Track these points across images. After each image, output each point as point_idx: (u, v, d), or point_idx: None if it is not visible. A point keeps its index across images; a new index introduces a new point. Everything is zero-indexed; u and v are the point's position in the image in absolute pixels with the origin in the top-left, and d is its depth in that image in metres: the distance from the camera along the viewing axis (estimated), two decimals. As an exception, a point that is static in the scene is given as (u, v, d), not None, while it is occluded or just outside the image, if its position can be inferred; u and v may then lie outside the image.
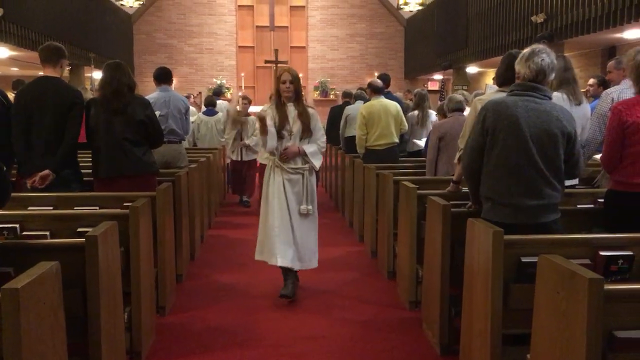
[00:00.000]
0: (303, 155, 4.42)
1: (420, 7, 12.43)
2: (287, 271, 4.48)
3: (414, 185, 4.20)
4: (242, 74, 17.58)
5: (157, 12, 17.49)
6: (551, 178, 2.96)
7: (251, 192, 8.91)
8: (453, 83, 14.44)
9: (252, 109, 10.36)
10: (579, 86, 4.10)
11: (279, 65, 15.99)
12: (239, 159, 8.63)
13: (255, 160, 8.52)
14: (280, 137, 4.35)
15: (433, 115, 7.55)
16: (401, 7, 12.15)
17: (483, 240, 2.80)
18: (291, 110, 4.40)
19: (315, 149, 4.47)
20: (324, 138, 4.61)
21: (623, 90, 4.87)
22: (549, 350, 2.20)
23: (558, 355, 2.11)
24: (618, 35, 8.59)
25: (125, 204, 3.76)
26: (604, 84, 6.14)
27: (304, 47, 17.98)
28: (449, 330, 3.52)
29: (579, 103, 3.90)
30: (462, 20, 13.01)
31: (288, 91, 4.35)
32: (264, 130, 4.24)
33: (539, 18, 9.23)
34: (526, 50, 3.04)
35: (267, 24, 17.58)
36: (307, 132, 4.41)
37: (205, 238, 6.59)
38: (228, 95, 17.37)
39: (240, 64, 17.83)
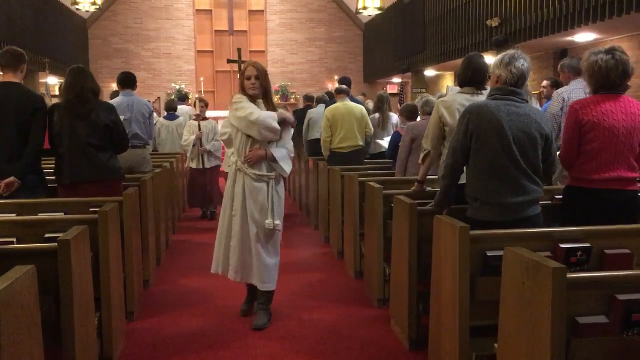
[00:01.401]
0: (271, 160, 3.93)
1: (379, 12, 12.61)
2: (251, 289, 4.21)
3: (379, 186, 4.30)
4: (202, 79, 17.40)
5: (113, 16, 17.24)
6: (533, 176, 3.10)
7: (218, 201, 7.83)
8: (412, 86, 14.71)
9: (212, 113, 10.35)
10: (528, 87, 4.28)
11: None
12: (201, 167, 7.90)
13: (218, 166, 8.14)
14: (248, 135, 3.91)
15: (394, 117, 7.71)
16: (360, 12, 12.30)
17: (450, 237, 2.90)
18: (261, 106, 3.95)
19: (284, 154, 3.98)
20: (292, 144, 4.13)
21: (573, 91, 5.11)
22: (515, 338, 2.30)
23: (524, 343, 2.22)
24: (569, 38, 8.94)
25: (91, 209, 3.75)
26: (557, 85, 6.37)
27: (263, 52, 18.01)
28: (418, 326, 3.61)
29: (525, 102, 4.06)
30: (419, 25, 13.27)
31: (254, 88, 3.87)
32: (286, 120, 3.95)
33: (494, 22, 9.51)
34: (505, 55, 3.16)
35: (226, 29, 17.58)
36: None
37: (170, 243, 6.55)
38: (189, 100, 17.25)
39: (200, 69, 17.74)
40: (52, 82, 13.98)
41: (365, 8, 12.06)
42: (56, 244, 2.50)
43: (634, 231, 2.90)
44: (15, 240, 3.15)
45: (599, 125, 3.19)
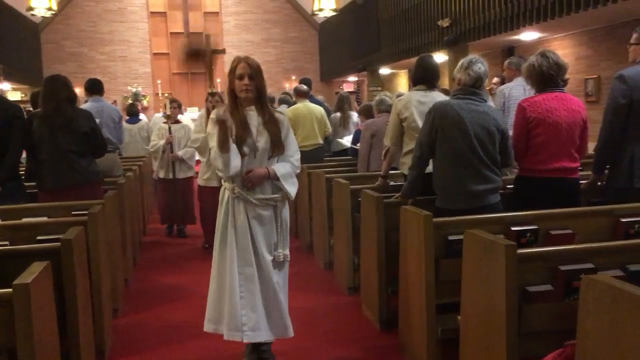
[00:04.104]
0: (274, 179, 3.22)
1: (334, 13, 12.92)
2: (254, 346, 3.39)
3: (346, 181, 4.61)
4: (159, 81, 17.46)
5: (66, 20, 17.03)
6: (493, 167, 3.46)
7: (190, 220, 7.07)
8: (368, 85, 15.10)
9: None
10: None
11: (216, 55, 15.24)
12: (170, 177, 6.85)
13: (192, 178, 7.06)
14: (240, 155, 3.13)
15: (354, 116, 8.05)
16: (316, 13, 12.59)
17: (415, 224, 3.23)
18: (253, 117, 3.22)
19: (289, 170, 3.28)
20: (299, 155, 3.40)
21: (513, 87, 5.54)
22: (476, 308, 2.64)
23: (484, 311, 2.56)
24: (516, 37, 9.46)
25: (73, 212, 3.92)
26: (504, 82, 6.81)
27: (219, 54, 18.04)
28: (387, 308, 3.94)
29: (485, 101, 4.45)
30: (373, 25, 13.65)
31: (248, 90, 3.15)
32: (224, 143, 3.04)
33: (445, 22, 9.94)
34: (464, 60, 3.54)
35: (182, 30, 17.59)
36: (277, 148, 3.23)
37: (142, 244, 6.72)
38: (144, 102, 17.24)
39: (156, 71, 17.71)
40: (6, 88, 13.81)
41: (320, 10, 12.36)
42: (59, 243, 2.71)
43: (575, 214, 3.28)
44: (8, 243, 3.32)
45: (544, 121, 3.57)
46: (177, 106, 7.10)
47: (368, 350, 3.68)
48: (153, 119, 9.26)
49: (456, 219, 3.22)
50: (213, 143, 3.13)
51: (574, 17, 7.39)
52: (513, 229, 3.12)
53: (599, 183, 3.89)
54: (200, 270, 5.38)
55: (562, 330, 2.34)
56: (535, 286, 2.45)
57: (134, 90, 17.10)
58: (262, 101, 3.24)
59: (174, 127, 6.89)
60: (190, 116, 11.45)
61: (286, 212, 3.37)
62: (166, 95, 7.53)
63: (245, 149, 3.14)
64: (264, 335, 3.23)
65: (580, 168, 3.79)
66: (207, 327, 3.33)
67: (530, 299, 2.44)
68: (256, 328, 3.19)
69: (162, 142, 6.80)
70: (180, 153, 6.80)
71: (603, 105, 8.41)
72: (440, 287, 3.17)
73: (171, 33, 17.69)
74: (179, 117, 7.34)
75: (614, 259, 2.50)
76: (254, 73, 3.16)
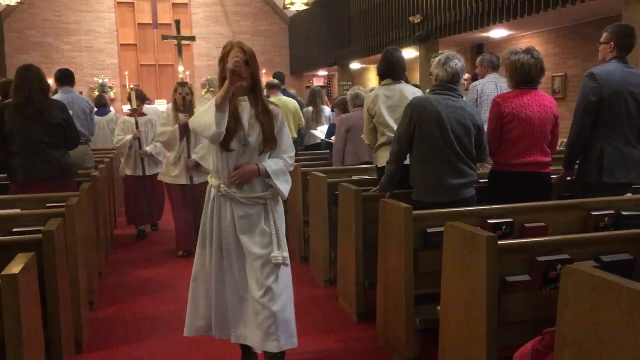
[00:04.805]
0: (264, 176, 2.96)
1: (306, 7, 12.92)
2: (246, 351, 3.23)
3: (324, 175, 4.64)
4: (126, 73, 17.20)
5: (30, 9, 16.58)
6: (469, 161, 3.53)
7: (159, 216, 6.85)
8: (338, 79, 15.15)
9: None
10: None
11: (183, 42, 14.96)
12: (140, 174, 6.40)
13: None
14: (228, 149, 2.88)
15: (327, 110, 8.09)
16: (287, 7, 12.56)
17: (395, 217, 3.28)
18: (246, 108, 2.94)
19: (281, 167, 3.01)
20: (293, 152, 3.13)
21: (486, 84, 5.65)
22: (456, 298, 2.71)
23: (464, 301, 2.63)
24: (485, 34, 9.63)
25: (48, 205, 3.87)
26: (476, 78, 6.94)
27: (189, 45, 17.87)
28: (365, 300, 3.99)
29: (461, 97, 4.54)
30: (344, 20, 13.70)
31: (242, 78, 2.83)
32: (224, 100, 2.74)
33: (416, 19, 10.06)
34: (442, 56, 3.58)
35: (150, 22, 17.34)
36: (270, 143, 2.96)
37: (114, 237, 6.65)
38: (111, 94, 16.96)
39: (123, 63, 17.44)
40: (-32, 78, 13.40)
41: (292, 3, 12.34)
42: (40, 235, 2.68)
43: (549, 207, 3.39)
44: (-16, 235, 3.26)
45: (517, 116, 3.67)
46: (142, 99, 6.64)
47: (346, 341, 3.74)
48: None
49: (435, 212, 3.29)
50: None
51: (542, 16, 7.57)
52: (490, 221, 3.20)
53: (569, 178, 4.02)
54: (174, 264, 5.41)
55: (540, 319, 2.43)
56: (514, 276, 2.53)
57: (100, 81, 16.81)
58: (256, 92, 2.95)
59: (140, 120, 6.41)
60: (159, 108, 11.31)
61: (280, 210, 3.06)
62: (132, 87, 6.49)
63: (235, 144, 2.87)
64: (251, 341, 2.98)
65: (550, 163, 3.91)
66: (190, 332, 3.12)
67: (509, 289, 2.51)
68: (242, 334, 3.00)
69: (129, 137, 6.33)
70: (148, 149, 6.38)
71: (570, 102, 8.69)
72: (418, 278, 3.24)
73: (139, 24, 17.44)
74: (145, 108, 6.83)
75: (588, 250, 2.59)
76: (249, 59, 2.85)
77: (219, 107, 2.73)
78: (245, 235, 2.94)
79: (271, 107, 3.03)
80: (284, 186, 3.01)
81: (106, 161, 6.56)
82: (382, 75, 4.36)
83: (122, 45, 17.47)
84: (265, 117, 2.95)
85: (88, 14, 17.21)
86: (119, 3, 17.33)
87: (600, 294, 1.83)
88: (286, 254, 2.97)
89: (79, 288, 3.43)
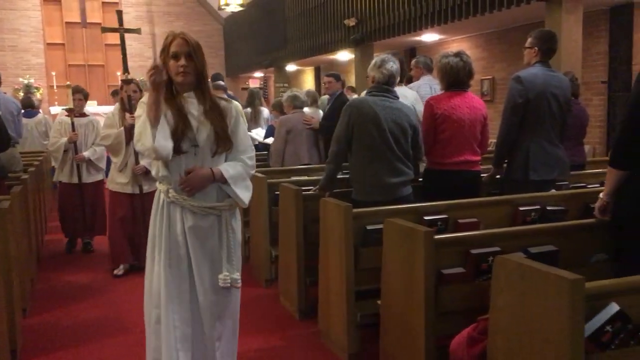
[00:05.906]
0: (220, 182, 2.62)
1: (241, 8, 12.87)
2: None
3: (263, 176, 4.68)
4: (53, 73, 16.58)
5: (-53, 5, 15.77)
6: (405, 160, 3.66)
7: (100, 230, 6.07)
8: (274, 81, 15.18)
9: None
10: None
11: (125, 32, 14.21)
12: (76, 181, 5.82)
13: (102, 182, 6.08)
14: (177, 151, 2.54)
15: (265, 111, 8.11)
16: (222, 8, 12.48)
17: (335, 215, 3.36)
18: (193, 105, 2.61)
19: (239, 171, 2.66)
20: (253, 152, 2.78)
21: (421, 86, 5.83)
22: (396, 291, 2.82)
23: (404, 294, 2.74)
24: (418, 38, 9.93)
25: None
26: (410, 81, 7.15)
27: (119, 45, 17.42)
28: (305, 298, 4.06)
29: (397, 98, 4.69)
30: (280, 21, 13.75)
31: (185, 73, 2.54)
32: (156, 112, 2.45)
33: (351, 22, 10.24)
34: (377, 59, 3.70)
35: (78, 20, 16.79)
36: (223, 143, 2.62)
37: (44, 243, 6.43)
38: (38, 95, 16.30)
39: (50, 62, 16.80)
40: None
41: (227, 4, 12.27)
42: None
43: (480, 203, 3.56)
44: None
45: (449, 117, 3.83)
46: (82, 97, 5.90)
47: (289, 339, 3.79)
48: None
49: (374, 210, 3.39)
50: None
51: (471, 21, 7.88)
52: (426, 217, 3.33)
53: (498, 175, 4.23)
54: (106, 269, 5.28)
55: (474, 308, 2.56)
56: (449, 269, 2.66)
57: (25, 82, 16.13)
58: (202, 87, 2.62)
59: (78, 121, 5.81)
60: (90, 110, 10.98)
61: (236, 224, 2.71)
62: (69, 83, 6.32)
63: (185, 145, 2.54)
64: None
65: (480, 162, 4.11)
66: None
67: (444, 281, 2.64)
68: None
69: (64, 140, 5.73)
70: (86, 154, 5.79)
71: (498, 104, 9.07)
72: (358, 274, 3.33)
73: (67, 22, 16.84)
74: (86, 109, 6.18)
75: (516, 243, 2.75)
76: (192, 51, 2.53)
77: (153, 123, 2.46)
78: (196, 250, 2.61)
79: (222, 102, 2.69)
80: (244, 193, 2.68)
81: (35, 164, 6.34)
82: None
83: (48, 44, 16.82)
84: (215, 113, 2.61)
85: (11, 12, 16.48)
86: (44, 1, 16.67)
87: (529, 282, 1.97)
88: (237, 275, 2.66)
89: (13, 295, 3.32)
